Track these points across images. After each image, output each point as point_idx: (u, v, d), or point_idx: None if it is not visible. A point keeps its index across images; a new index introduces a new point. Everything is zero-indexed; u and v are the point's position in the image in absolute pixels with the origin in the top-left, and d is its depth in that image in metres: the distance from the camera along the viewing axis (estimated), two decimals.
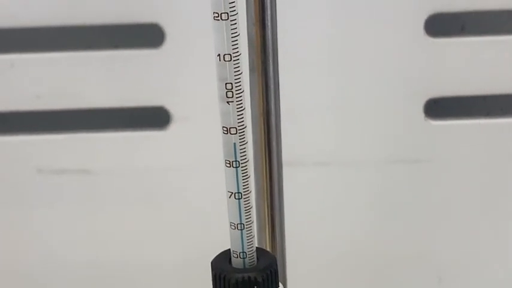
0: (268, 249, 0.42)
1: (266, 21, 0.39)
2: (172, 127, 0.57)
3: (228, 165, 0.33)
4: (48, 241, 0.61)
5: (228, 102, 0.32)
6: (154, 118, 0.58)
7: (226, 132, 0.33)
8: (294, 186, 0.48)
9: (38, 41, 0.57)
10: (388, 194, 0.59)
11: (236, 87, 0.32)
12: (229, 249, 0.35)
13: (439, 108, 0.57)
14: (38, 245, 0.61)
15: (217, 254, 0.35)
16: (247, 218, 0.34)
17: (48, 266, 0.61)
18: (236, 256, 0.34)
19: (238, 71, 0.32)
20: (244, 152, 0.33)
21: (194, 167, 0.58)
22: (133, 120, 0.59)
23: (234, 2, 0.31)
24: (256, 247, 0.35)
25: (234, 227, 0.34)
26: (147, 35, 0.56)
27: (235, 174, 0.33)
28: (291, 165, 0.55)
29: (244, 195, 0.33)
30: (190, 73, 0.56)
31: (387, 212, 0.59)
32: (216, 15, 0.31)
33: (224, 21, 0.31)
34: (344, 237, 0.59)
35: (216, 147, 0.35)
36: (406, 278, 0.60)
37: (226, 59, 0.32)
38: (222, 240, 0.36)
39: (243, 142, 0.33)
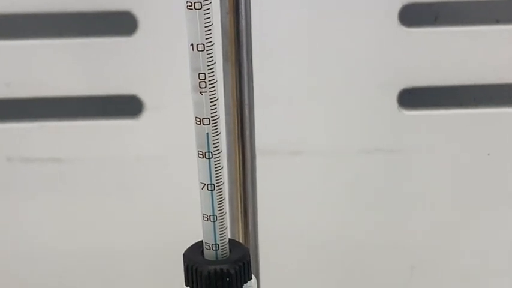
0: (241, 240, 0.41)
1: (240, 11, 0.39)
2: (145, 116, 0.57)
3: (201, 156, 0.33)
4: (17, 229, 0.60)
5: (201, 92, 0.32)
6: (126, 107, 0.57)
7: (199, 122, 0.32)
8: (267, 175, 0.48)
9: (8, 28, 0.56)
10: (362, 183, 0.59)
11: (209, 77, 0.32)
12: (202, 241, 0.34)
13: (413, 98, 0.57)
14: (6, 234, 0.60)
15: (190, 245, 0.35)
16: (219, 210, 0.33)
17: (17, 254, 0.61)
18: (208, 248, 0.34)
19: (212, 61, 0.32)
20: (217, 142, 0.33)
21: (167, 156, 0.58)
22: (105, 108, 0.58)
23: None
24: (229, 239, 0.34)
25: (206, 219, 0.34)
26: (120, 23, 0.55)
27: (208, 165, 0.33)
28: (265, 154, 0.55)
29: (217, 186, 0.33)
30: (163, 61, 0.55)
31: (361, 202, 0.59)
32: (190, 4, 0.31)
33: (197, 11, 0.31)
34: (318, 227, 0.59)
35: (188, 136, 0.35)
36: (379, 267, 0.61)
37: (200, 49, 0.31)
38: (195, 229, 0.35)
39: (216, 133, 0.33)
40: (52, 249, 0.61)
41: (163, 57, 0.55)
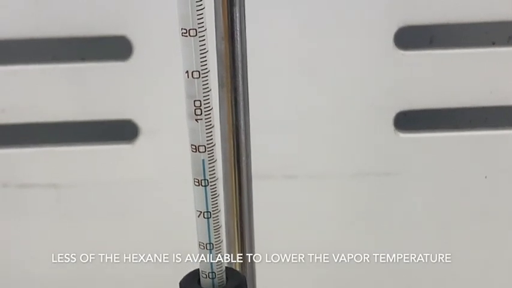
0: (237, 268, 0.41)
1: (235, 36, 0.38)
2: (140, 140, 0.57)
3: (197, 183, 0.33)
4: (14, 255, 0.60)
5: (196, 119, 0.32)
6: (122, 131, 0.57)
7: (195, 150, 0.32)
8: (262, 200, 0.48)
9: (4, 53, 0.56)
10: (358, 206, 0.59)
11: (205, 104, 0.32)
12: (198, 269, 0.34)
13: (409, 120, 0.57)
14: (2, 259, 0.60)
15: (186, 274, 0.35)
16: (216, 238, 0.33)
17: (14, 280, 0.60)
18: (205, 276, 0.34)
19: (207, 88, 0.31)
20: (213, 170, 0.33)
21: (162, 181, 0.57)
22: (101, 133, 0.58)
23: (202, 18, 0.31)
24: (226, 267, 0.34)
25: (203, 247, 0.33)
26: (115, 48, 0.55)
27: (204, 193, 0.33)
28: (260, 178, 0.55)
29: (213, 214, 0.33)
30: (158, 86, 0.55)
31: (357, 225, 0.59)
32: (184, 31, 0.31)
33: (192, 38, 0.31)
34: (314, 251, 0.59)
35: (184, 161, 0.35)
36: None
37: (195, 76, 0.31)
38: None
39: (212, 160, 0.32)
40: (48, 275, 0.60)
41: (158, 81, 0.55)
